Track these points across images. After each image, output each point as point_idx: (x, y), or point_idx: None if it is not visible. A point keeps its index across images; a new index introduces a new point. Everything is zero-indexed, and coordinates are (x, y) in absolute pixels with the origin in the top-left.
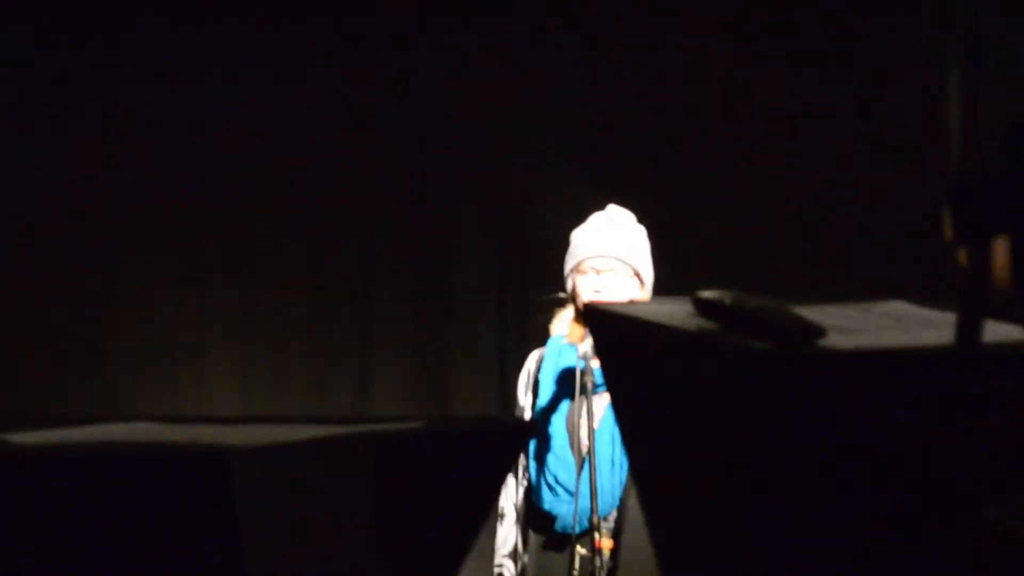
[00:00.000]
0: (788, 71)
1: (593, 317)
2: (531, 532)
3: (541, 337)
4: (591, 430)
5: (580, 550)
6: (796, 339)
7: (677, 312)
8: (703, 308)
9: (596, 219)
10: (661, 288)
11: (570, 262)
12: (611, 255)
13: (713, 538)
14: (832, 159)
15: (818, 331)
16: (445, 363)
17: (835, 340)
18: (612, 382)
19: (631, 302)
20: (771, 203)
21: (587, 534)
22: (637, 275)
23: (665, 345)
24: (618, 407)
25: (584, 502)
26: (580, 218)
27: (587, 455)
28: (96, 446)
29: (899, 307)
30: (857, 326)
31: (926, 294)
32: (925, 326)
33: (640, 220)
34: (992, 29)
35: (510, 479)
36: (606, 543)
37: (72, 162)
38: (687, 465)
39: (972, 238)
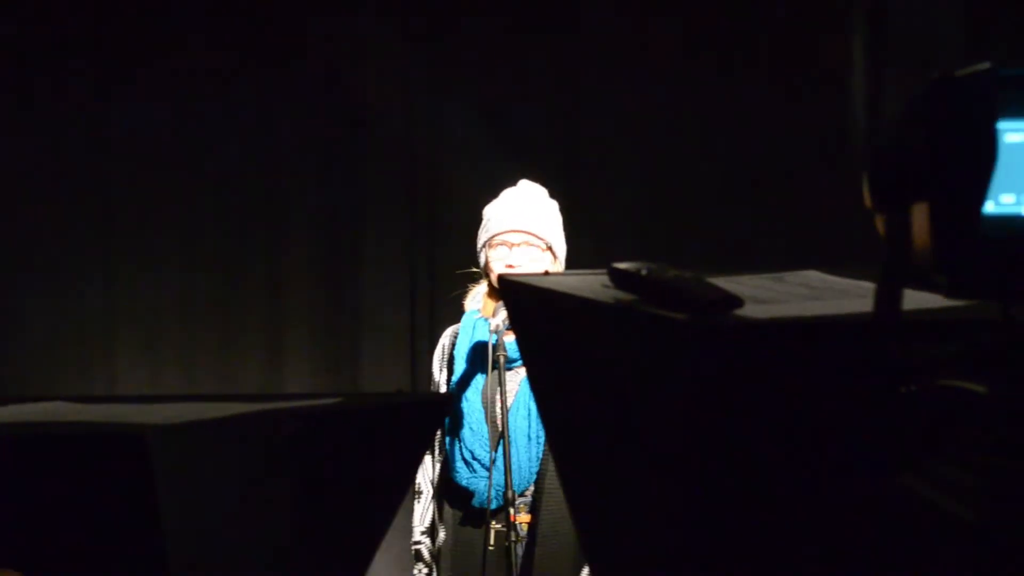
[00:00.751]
0: (696, 45)
1: (506, 289)
2: (448, 507)
3: (452, 313)
4: (504, 405)
5: (496, 525)
6: (713, 309)
7: (592, 283)
8: (619, 279)
9: (508, 194)
10: (573, 264)
11: (483, 236)
12: (523, 229)
13: (632, 509)
14: (745, 131)
15: (735, 301)
16: (355, 341)
17: (751, 310)
18: (527, 354)
19: (545, 274)
20: (683, 177)
21: (503, 509)
22: (550, 249)
23: (580, 316)
24: (533, 379)
25: (500, 477)
26: (491, 193)
27: (502, 430)
28: (10, 425)
29: (812, 276)
30: (772, 296)
31: (838, 264)
32: (839, 295)
33: (552, 195)
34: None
35: (426, 456)
36: (523, 518)
37: None
38: (604, 436)
39: (890, 205)
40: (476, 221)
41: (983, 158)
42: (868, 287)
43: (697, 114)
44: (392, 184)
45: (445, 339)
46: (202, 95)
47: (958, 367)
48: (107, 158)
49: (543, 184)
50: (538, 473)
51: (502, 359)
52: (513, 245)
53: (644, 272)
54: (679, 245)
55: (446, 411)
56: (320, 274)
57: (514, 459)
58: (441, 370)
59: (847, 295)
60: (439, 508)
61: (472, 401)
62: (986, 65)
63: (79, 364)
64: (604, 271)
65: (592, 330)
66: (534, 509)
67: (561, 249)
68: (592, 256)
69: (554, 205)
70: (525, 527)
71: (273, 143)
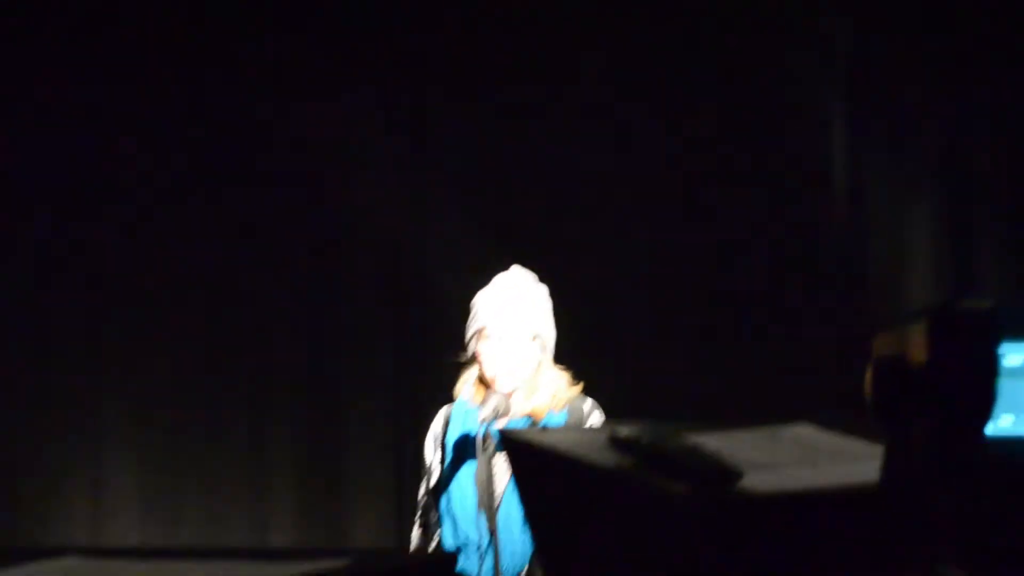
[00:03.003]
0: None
1: (507, 443)
2: None
3: (438, 402)
4: (491, 496)
5: None
6: (713, 482)
7: (592, 441)
8: (620, 445)
9: (497, 283)
10: (561, 350)
11: (472, 327)
12: (511, 321)
13: None
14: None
15: (734, 474)
16: (340, 436)
17: (750, 480)
18: (525, 501)
19: (544, 429)
20: (671, 260)
21: None
22: (538, 337)
23: (579, 477)
24: (533, 528)
25: (493, 562)
26: (480, 282)
27: (492, 520)
28: None
29: (806, 433)
30: (768, 460)
31: (828, 415)
32: (834, 457)
33: (542, 279)
34: None
35: (415, 532)
36: None
37: None
38: None
39: (892, 420)
40: (466, 311)
41: (985, 384)
42: (860, 447)
43: (685, 198)
44: (374, 276)
45: (439, 421)
46: (179, 195)
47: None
48: (93, 289)
49: (533, 269)
50: (532, 555)
51: (491, 448)
52: (500, 338)
53: (645, 441)
54: (668, 328)
55: (453, 570)
56: (303, 373)
57: (508, 543)
58: (436, 450)
59: (841, 457)
60: None
61: (465, 487)
62: (988, 302)
63: (67, 499)
64: (605, 429)
65: (591, 492)
66: None
67: (549, 337)
68: (581, 343)
69: (543, 291)
70: None
71: (254, 243)
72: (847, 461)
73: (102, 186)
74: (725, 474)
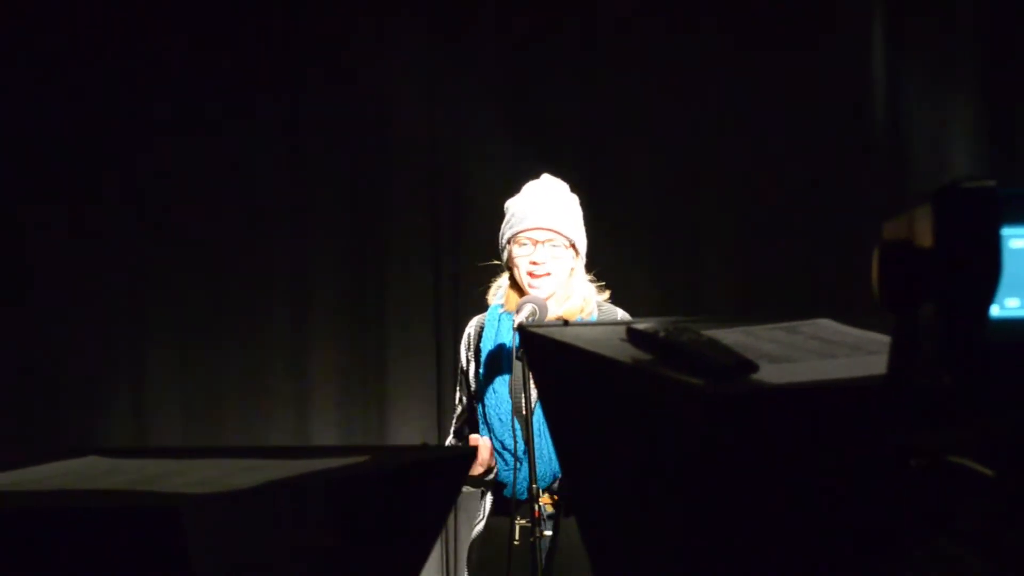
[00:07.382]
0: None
1: (526, 337)
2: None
3: (475, 306)
4: (528, 401)
5: (521, 521)
6: (729, 374)
7: (611, 337)
8: (637, 339)
9: (532, 188)
10: (592, 257)
11: (507, 232)
12: (548, 226)
13: (642, 551)
14: (764, 125)
15: (750, 366)
16: (381, 336)
17: (766, 372)
18: (544, 397)
19: (564, 322)
20: (701, 176)
21: (529, 503)
22: (573, 246)
23: (598, 372)
24: (550, 418)
25: (527, 468)
26: (511, 191)
27: (527, 426)
28: (45, 495)
29: (825, 327)
30: (786, 353)
31: (849, 310)
32: (852, 351)
33: (572, 189)
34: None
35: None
36: (549, 499)
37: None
38: (618, 484)
39: (898, 305)
40: (499, 220)
41: (989, 263)
42: (879, 340)
43: (717, 107)
44: (414, 182)
45: (471, 329)
46: (223, 109)
47: (969, 448)
48: (137, 207)
49: (564, 177)
50: None
51: (525, 356)
52: (537, 243)
53: (662, 334)
54: (697, 235)
55: (471, 464)
56: (344, 275)
57: (544, 448)
58: (469, 361)
59: (859, 350)
60: None
61: (500, 393)
62: (991, 182)
63: (110, 403)
64: (623, 324)
65: (609, 387)
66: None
67: (583, 245)
68: (612, 250)
69: (575, 200)
70: (549, 508)
71: (293, 154)
72: (866, 354)
73: (141, 92)
74: (741, 367)
